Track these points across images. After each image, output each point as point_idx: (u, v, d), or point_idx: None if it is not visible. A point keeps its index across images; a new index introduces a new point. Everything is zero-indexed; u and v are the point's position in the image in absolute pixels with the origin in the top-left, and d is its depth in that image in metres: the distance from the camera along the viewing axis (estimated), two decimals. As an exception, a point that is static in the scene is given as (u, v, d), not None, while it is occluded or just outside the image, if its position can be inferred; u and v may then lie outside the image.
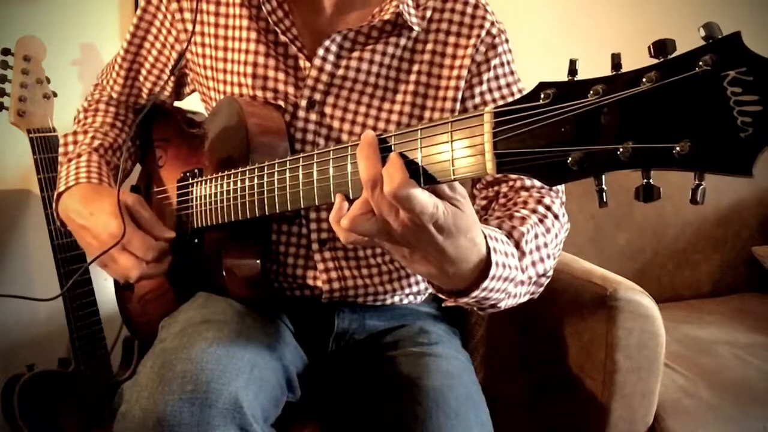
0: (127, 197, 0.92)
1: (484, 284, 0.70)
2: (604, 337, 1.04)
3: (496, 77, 0.95)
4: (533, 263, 0.81)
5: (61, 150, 1.06)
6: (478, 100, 0.94)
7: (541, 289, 0.86)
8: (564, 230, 0.90)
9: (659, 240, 1.84)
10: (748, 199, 1.91)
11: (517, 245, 0.78)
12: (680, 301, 1.84)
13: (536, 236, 0.83)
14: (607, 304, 1.03)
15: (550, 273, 0.86)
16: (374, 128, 0.93)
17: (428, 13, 0.93)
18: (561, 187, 0.92)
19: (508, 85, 0.96)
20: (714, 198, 1.87)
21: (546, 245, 0.84)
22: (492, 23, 0.94)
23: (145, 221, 0.91)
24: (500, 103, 0.91)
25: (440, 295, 0.75)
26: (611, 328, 1.03)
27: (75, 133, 1.07)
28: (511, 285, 0.75)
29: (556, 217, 0.88)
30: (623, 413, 1.06)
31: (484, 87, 0.94)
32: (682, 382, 1.27)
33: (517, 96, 0.92)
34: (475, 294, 0.71)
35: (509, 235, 0.78)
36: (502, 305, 0.78)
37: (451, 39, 0.93)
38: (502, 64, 0.95)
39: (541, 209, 0.87)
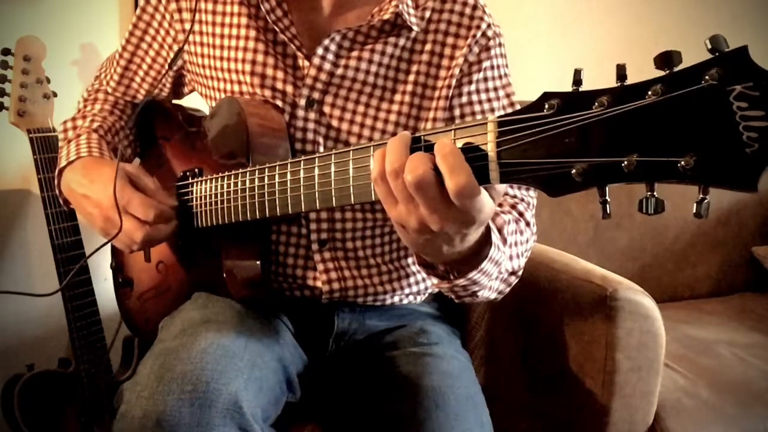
0: (128, 166, 0.91)
1: (482, 265, 0.73)
2: (604, 337, 1.04)
3: (485, 79, 0.95)
4: (510, 257, 0.82)
5: (60, 136, 1.06)
6: (464, 99, 0.94)
7: (508, 290, 0.88)
8: (533, 239, 0.92)
9: (659, 240, 1.84)
10: (748, 200, 1.91)
11: (500, 231, 0.79)
12: (680, 301, 1.84)
13: (514, 231, 0.85)
14: (607, 304, 1.03)
15: (519, 273, 0.88)
16: (373, 128, 0.93)
17: (427, 14, 0.93)
18: (533, 201, 0.94)
19: (495, 89, 0.96)
20: (714, 198, 1.87)
21: (519, 243, 0.86)
22: (489, 25, 0.94)
23: (147, 188, 0.90)
24: (486, 105, 0.93)
25: (431, 277, 0.77)
26: (611, 328, 1.03)
27: (74, 119, 1.07)
28: (496, 270, 0.77)
29: (528, 224, 0.91)
30: (623, 413, 1.06)
31: (473, 87, 0.94)
32: (682, 382, 1.27)
33: (504, 101, 0.94)
34: (471, 275, 0.73)
35: (492, 220, 0.79)
36: (480, 294, 0.80)
37: (449, 39, 0.93)
38: (492, 67, 0.95)
39: (515, 213, 0.90)
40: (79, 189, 0.93)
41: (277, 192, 0.77)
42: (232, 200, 0.85)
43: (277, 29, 0.92)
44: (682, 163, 0.45)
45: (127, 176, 0.89)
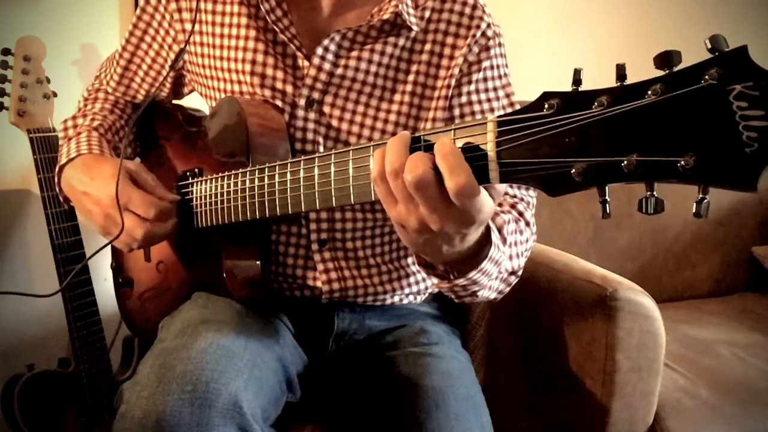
0: (129, 163, 0.91)
1: (482, 265, 0.73)
2: (604, 337, 1.04)
3: (485, 79, 0.95)
4: (510, 256, 0.82)
5: (60, 134, 1.06)
6: (464, 99, 0.94)
7: (508, 290, 0.88)
8: (533, 238, 0.92)
9: (659, 240, 1.84)
10: (748, 200, 1.91)
11: (500, 230, 0.79)
12: (680, 301, 1.84)
13: (514, 231, 0.85)
14: (607, 304, 1.03)
15: (519, 273, 0.88)
16: (373, 128, 0.93)
17: (427, 14, 0.93)
18: (533, 200, 0.94)
19: (495, 89, 0.96)
20: (714, 198, 1.87)
21: (518, 243, 0.86)
22: (488, 25, 0.94)
23: (147, 184, 0.90)
24: (485, 105, 0.93)
25: (431, 277, 0.77)
26: (611, 328, 1.03)
27: (74, 117, 1.07)
28: (496, 270, 0.77)
29: (527, 224, 0.91)
30: (623, 413, 1.06)
31: (472, 87, 0.94)
32: (682, 382, 1.27)
33: (504, 101, 0.94)
34: (471, 275, 0.73)
35: (491, 220, 0.79)
36: (480, 294, 0.80)
37: (449, 39, 0.93)
38: (492, 67, 0.95)
39: (514, 213, 0.90)
40: (79, 186, 0.93)
41: (276, 192, 0.77)
42: (231, 200, 0.85)
43: (276, 29, 0.92)
44: (682, 162, 0.45)
45: (127, 173, 0.89)
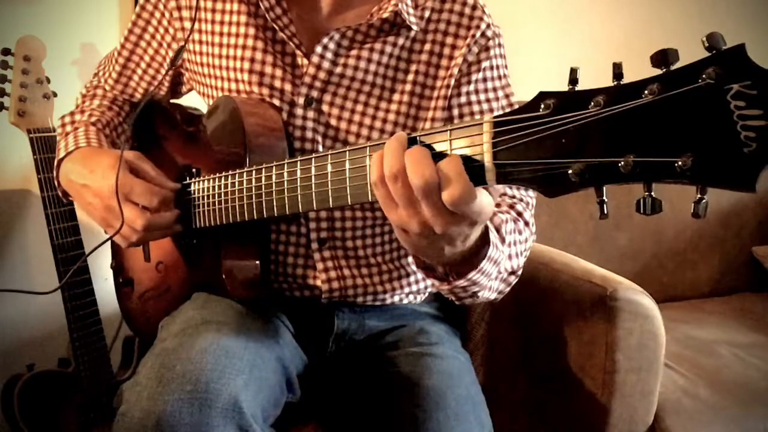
0: (127, 153, 0.91)
1: (481, 265, 0.73)
2: (604, 337, 1.04)
3: (484, 79, 0.95)
4: (509, 256, 0.82)
5: (58, 130, 1.06)
6: (463, 99, 0.94)
7: (508, 290, 0.88)
8: (532, 238, 0.92)
9: (659, 240, 1.84)
10: (748, 200, 1.91)
11: (498, 230, 0.79)
12: (680, 301, 1.84)
13: (512, 230, 0.85)
14: (607, 304, 1.03)
15: (519, 273, 0.88)
16: (372, 127, 0.93)
17: (426, 13, 0.93)
18: (532, 200, 0.94)
19: (494, 89, 0.96)
20: (714, 198, 1.87)
21: (517, 243, 0.86)
22: (488, 25, 0.94)
23: (147, 173, 0.90)
24: (484, 105, 0.93)
25: (431, 279, 0.77)
26: (611, 328, 1.03)
27: (72, 113, 1.07)
28: (495, 270, 0.77)
29: (526, 224, 0.91)
30: (623, 413, 1.06)
31: (471, 87, 0.94)
32: (682, 382, 1.27)
33: (503, 101, 0.94)
34: (470, 276, 0.73)
35: (489, 220, 0.79)
36: (480, 294, 0.80)
37: (449, 39, 0.93)
38: (491, 68, 0.95)
39: (513, 213, 0.90)
40: (78, 179, 0.93)
41: (274, 192, 0.77)
42: (229, 200, 0.84)
43: (276, 27, 0.92)
44: (680, 163, 0.45)
45: (126, 164, 0.89)
